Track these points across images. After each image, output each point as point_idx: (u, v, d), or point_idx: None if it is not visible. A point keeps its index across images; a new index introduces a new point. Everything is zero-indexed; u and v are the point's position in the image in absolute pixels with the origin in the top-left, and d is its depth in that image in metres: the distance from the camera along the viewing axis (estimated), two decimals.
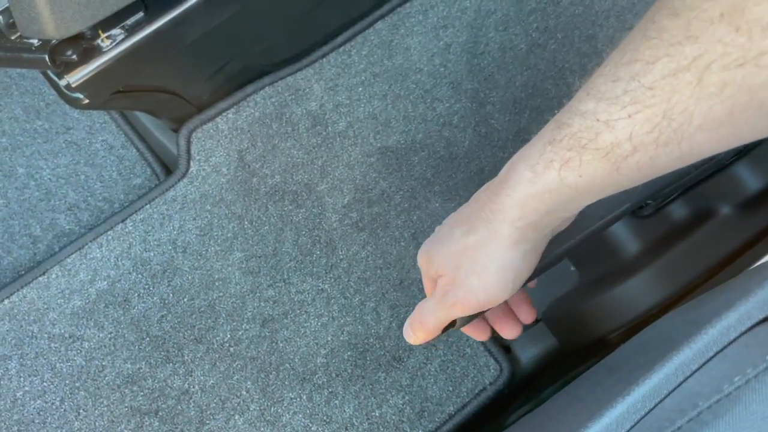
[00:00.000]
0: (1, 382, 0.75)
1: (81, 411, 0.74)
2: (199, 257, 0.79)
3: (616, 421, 0.33)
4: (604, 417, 0.34)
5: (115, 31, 0.65)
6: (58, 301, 0.77)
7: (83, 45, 0.64)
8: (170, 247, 0.80)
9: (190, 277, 0.79)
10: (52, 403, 0.74)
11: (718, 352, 0.33)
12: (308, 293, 0.79)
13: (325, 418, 0.75)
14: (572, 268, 0.76)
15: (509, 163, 0.41)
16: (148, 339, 0.76)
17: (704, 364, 0.33)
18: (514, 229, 0.41)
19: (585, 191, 0.37)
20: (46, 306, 0.77)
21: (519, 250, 0.43)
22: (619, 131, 0.33)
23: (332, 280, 0.80)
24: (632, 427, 0.33)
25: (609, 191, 0.37)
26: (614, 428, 0.33)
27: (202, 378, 0.76)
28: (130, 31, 0.66)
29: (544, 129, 0.39)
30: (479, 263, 0.43)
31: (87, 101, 0.67)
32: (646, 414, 0.33)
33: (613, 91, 0.33)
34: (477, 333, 0.53)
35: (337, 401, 0.76)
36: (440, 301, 0.46)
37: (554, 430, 0.43)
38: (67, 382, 0.75)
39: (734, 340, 0.33)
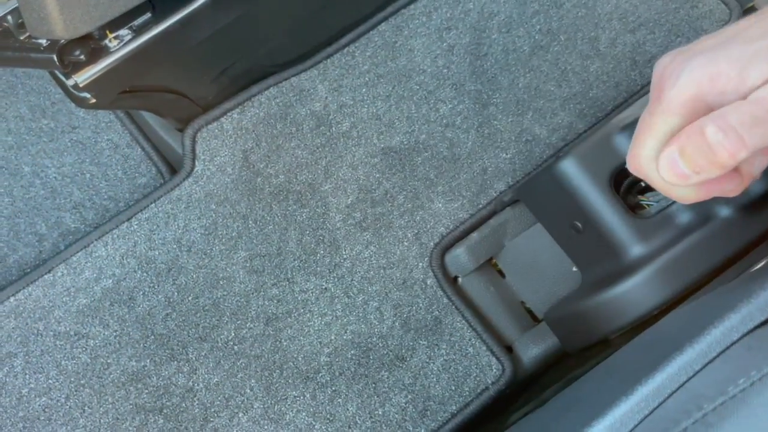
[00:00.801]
0: (7, 380, 0.75)
1: (86, 408, 0.75)
2: (203, 256, 0.80)
3: (620, 420, 0.34)
4: (607, 416, 0.34)
5: (123, 31, 0.66)
6: (64, 299, 0.78)
7: (91, 45, 0.65)
8: (175, 246, 0.80)
9: (194, 276, 0.79)
10: (57, 401, 0.75)
11: (720, 353, 0.33)
12: (312, 292, 0.80)
13: (328, 416, 0.75)
14: (574, 269, 0.77)
15: None
16: (152, 337, 0.77)
17: (707, 364, 0.33)
18: None
19: None
20: (51, 304, 0.78)
21: None
22: None
23: (336, 279, 0.80)
24: (635, 426, 0.33)
25: None
26: (618, 427, 0.34)
27: (206, 376, 0.76)
28: (138, 32, 0.66)
29: None
30: None
31: (94, 101, 0.67)
32: (649, 413, 0.33)
33: None
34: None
35: (340, 399, 0.76)
36: None
37: (557, 430, 0.44)
38: (72, 379, 0.75)
39: (737, 341, 0.33)
